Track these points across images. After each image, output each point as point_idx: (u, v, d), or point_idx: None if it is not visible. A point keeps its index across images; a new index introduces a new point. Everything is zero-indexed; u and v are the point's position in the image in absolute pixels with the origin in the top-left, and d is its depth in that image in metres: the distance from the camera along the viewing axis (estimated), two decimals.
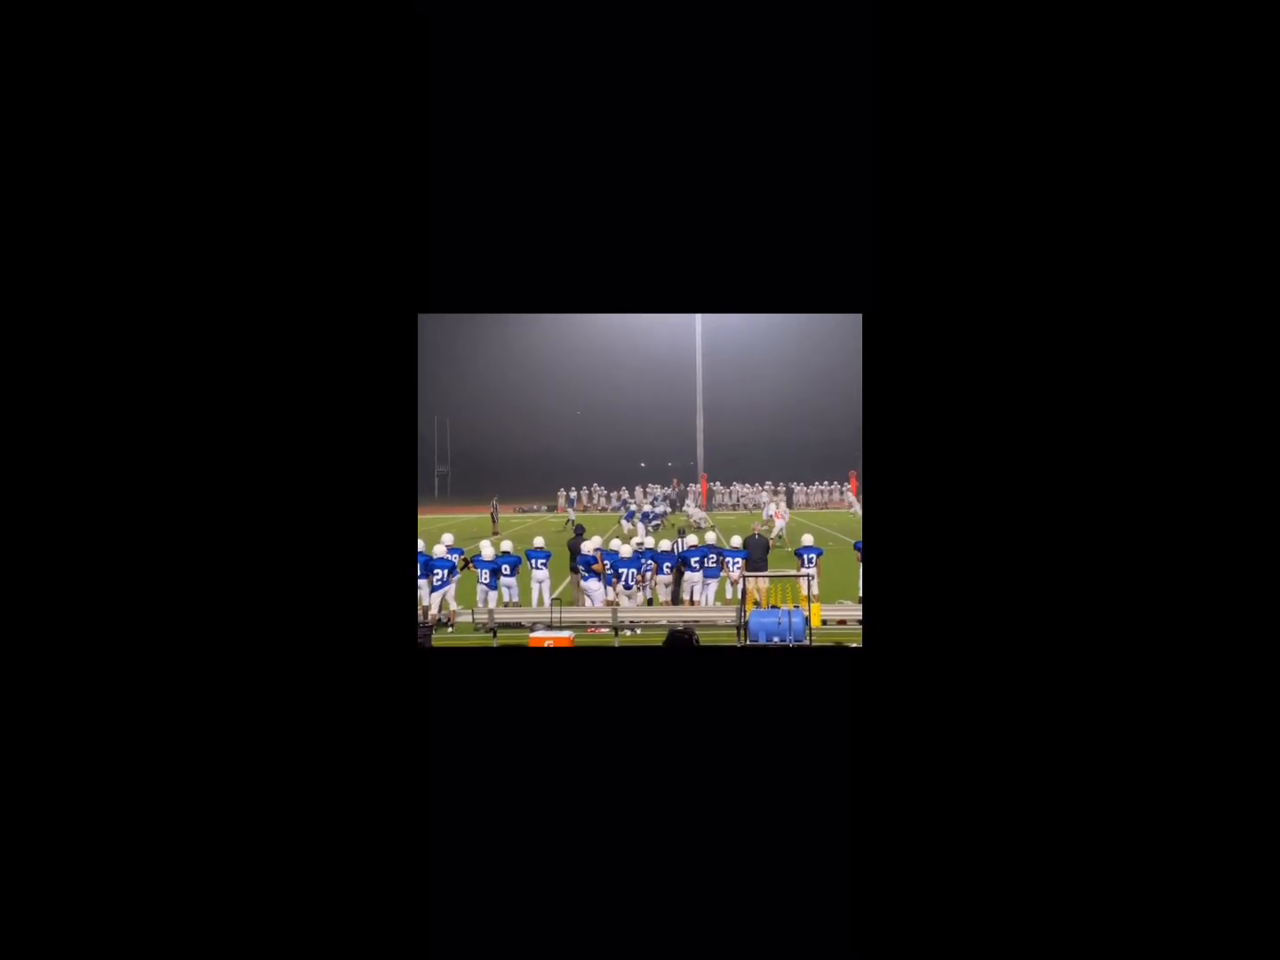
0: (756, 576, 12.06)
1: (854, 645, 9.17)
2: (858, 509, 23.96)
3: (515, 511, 35.81)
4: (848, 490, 34.72)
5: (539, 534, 15.19)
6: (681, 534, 14.36)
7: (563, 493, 34.96)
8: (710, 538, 13.44)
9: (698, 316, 38.28)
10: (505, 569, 12.44)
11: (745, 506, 36.51)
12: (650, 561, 12.44)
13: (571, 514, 30.98)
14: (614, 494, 39.60)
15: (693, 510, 30.13)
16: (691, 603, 12.47)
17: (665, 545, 13.00)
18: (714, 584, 12.55)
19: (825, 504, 37.00)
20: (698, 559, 12.50)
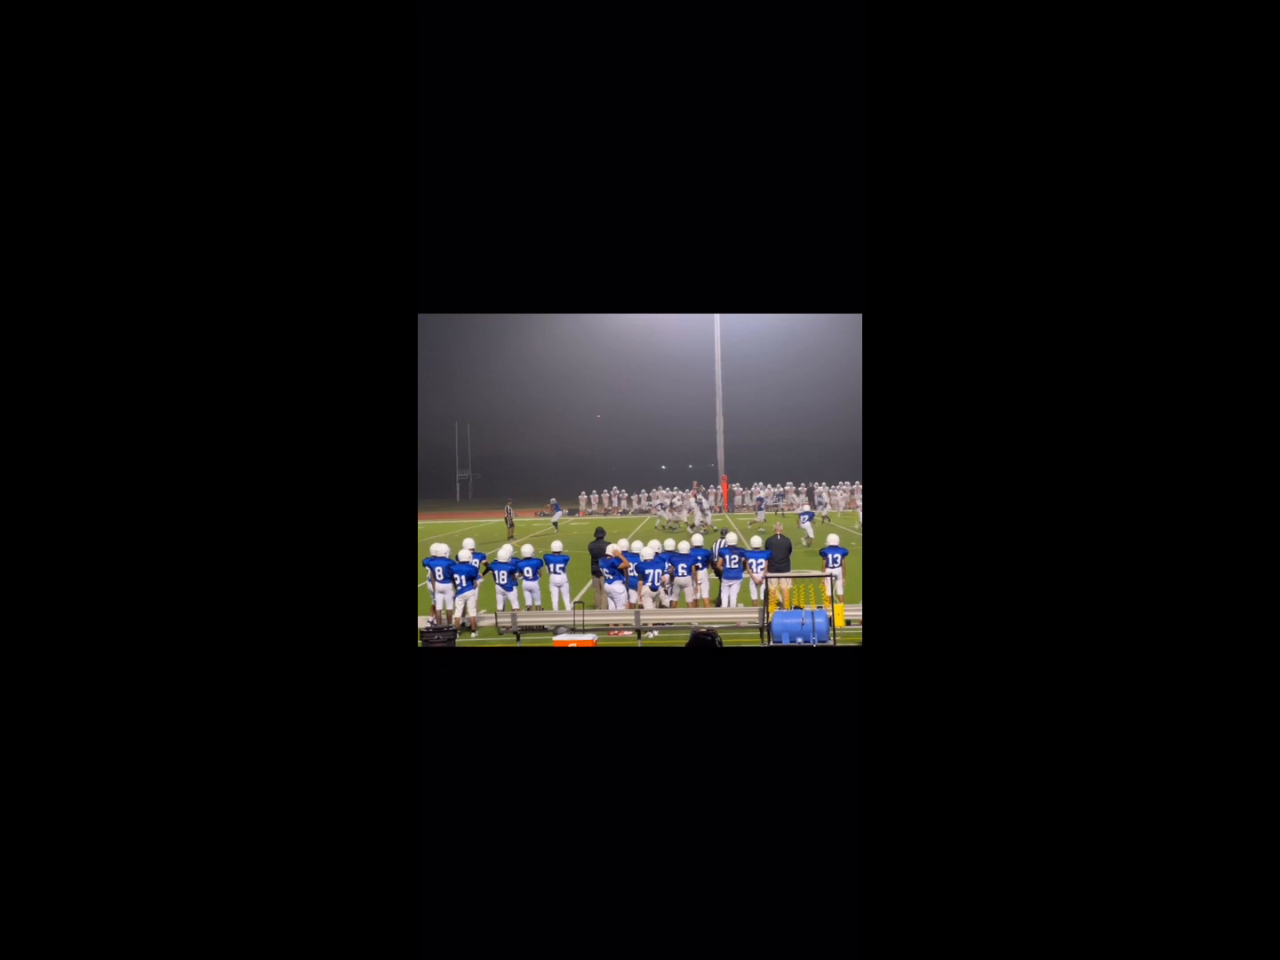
0: (779, 577, 11.95)
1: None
2: (809, 529, 23.40)
3: (536, 515, 35.90)
4: (857, 490, 34.50)
5: (558, 538, 15.17)
6: (723, 534, 14.26)
7: (553, 500, 34.87)
8: (731, 539, 13.36)
9: (716, 317, 38.20)
10: (527, 572, 12.42)
11: (767, 508, 36.37)
12: (670, 564, 12.38)
13: (557, 515, 31.10)
14: (634, 497, 39.57)
15: (697, 512, 30.01)
16: (717, 603, 12.42)
17: (684, 548, 12.97)
18: (736, 585, 12.46)
19: (849, 504, 36.81)
20: (702, 559, 12.50)
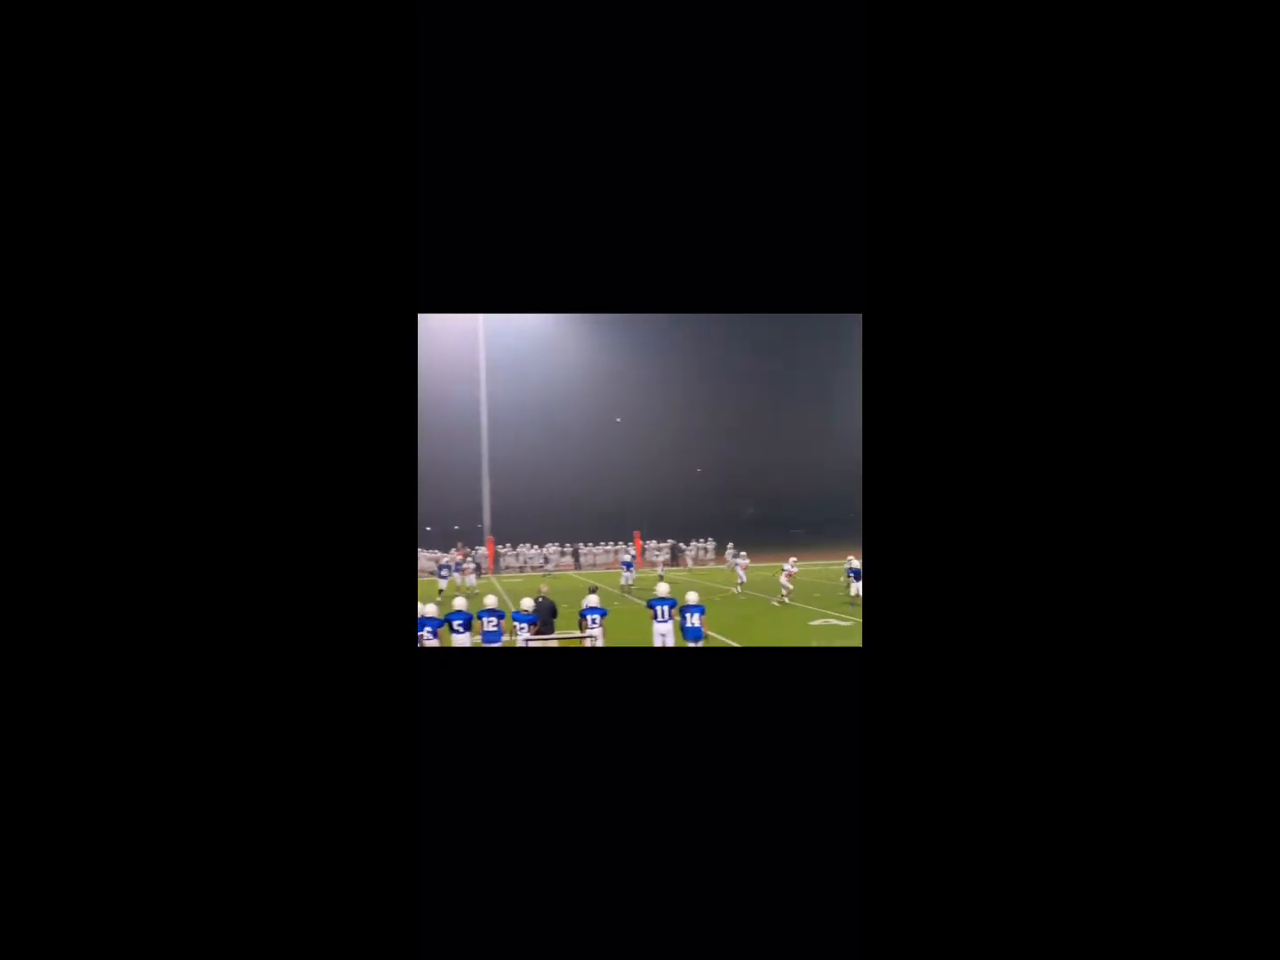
0: (544, 639, 12.01)
1: None
2: (630, 578, 23.05)
3: None
4: (632, 548, 35.18)
5: None
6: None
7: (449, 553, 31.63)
8: (490, 601, 13.03)
9: (481, 372, 37.94)
10: None
11: (531, 568, 36.26)
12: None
13: (443, 584, 28.14)
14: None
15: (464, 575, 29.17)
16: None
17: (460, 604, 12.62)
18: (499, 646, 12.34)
19: (611, 564, 37.32)
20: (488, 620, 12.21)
